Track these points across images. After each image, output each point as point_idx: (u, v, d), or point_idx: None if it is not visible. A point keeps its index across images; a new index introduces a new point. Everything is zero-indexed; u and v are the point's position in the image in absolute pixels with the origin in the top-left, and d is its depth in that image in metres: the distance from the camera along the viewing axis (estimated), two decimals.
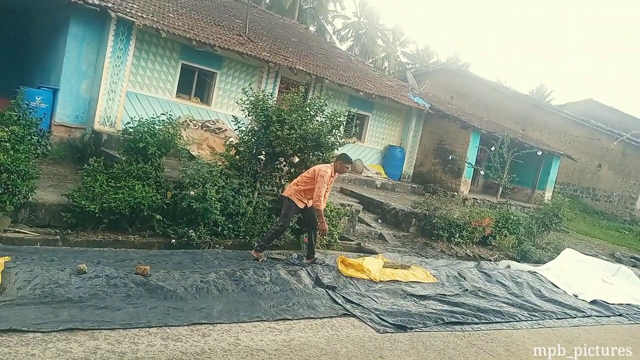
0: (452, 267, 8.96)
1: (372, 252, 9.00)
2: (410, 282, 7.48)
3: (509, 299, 7.77)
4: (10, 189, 6.23)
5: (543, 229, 13.27)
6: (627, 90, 79.65)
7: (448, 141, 17.19)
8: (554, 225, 13.37)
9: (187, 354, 4.14)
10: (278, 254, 7.63)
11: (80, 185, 7.30)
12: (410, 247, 10.63)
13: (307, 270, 6.85)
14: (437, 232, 11.22)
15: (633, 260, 14.32)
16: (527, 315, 7.26)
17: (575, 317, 7.73)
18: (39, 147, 8.54)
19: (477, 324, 6.45)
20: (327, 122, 8.50)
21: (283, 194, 7.55)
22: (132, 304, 4.91)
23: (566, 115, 23.47)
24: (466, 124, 16.74)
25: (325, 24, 39.57)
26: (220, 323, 4.90)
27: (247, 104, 8.37)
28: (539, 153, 17.67)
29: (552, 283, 9.20)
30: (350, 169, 8.12)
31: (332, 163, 7.50)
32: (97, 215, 6.75)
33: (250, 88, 8.71)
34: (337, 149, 8.70)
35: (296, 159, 8.62)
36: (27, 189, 6.44)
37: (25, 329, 3.99)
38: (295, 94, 8.67)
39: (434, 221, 11.29)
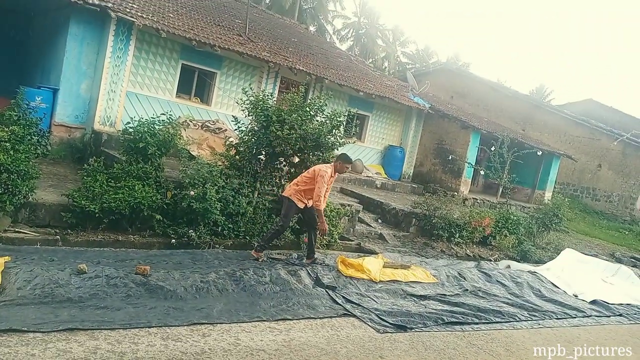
0: (452, 267, 8.96)
1: (372, 252, 9.00)
2: (410, 282, 7.48)
3: (509, 299, 7.77)
4: (10, 189, 6.23)
5: (543, 229, 13.27)
6: (627, 90, 79.71)
7: (448, 141, 17.19)
8: (554, 225, 13.37)
9: (187, 354, 4.14)
10: (278, 254, 7.63)
11: (80, 185, 7.30)
12: (410, 247, 10.63)
13: (307, 270, 6.85)
14: (437, 232, 11.22)
15: (633, 260, 14.32)
16: (527, 315, 7.26)
17: (575, 317, 7.73)
18: (39, 147, 8.54)
19: (477, 324, 6.45)
20: (327, 122, 8.50)
21: (283, 194, 7.55)
22: (132, 304, 4.91)
23: (566, 115, 23.47)
24: (466, 124, 16.74)
25: (325, 24, 39.57)
26: (220, 323, 4.90)
27: (247, 104, 8.37)
28: (539, 153, 17.67)
29: (552, 283, 9.20)
30: (350, 169, 8.12)
31: (332, 163, 7.50)
32: (97, 215, 6.75)
33: (250, 88, 8.71)
34: (337, 149, 8.70)
35: (296, 159, 8.62)
36: (27, 189, 6.44)
37: (25, 329, 3.99)
38: (295, 94, 8.67)
39: (434, 221, 11.29)
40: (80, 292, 4.88)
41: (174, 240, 7.22)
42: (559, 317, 7.58)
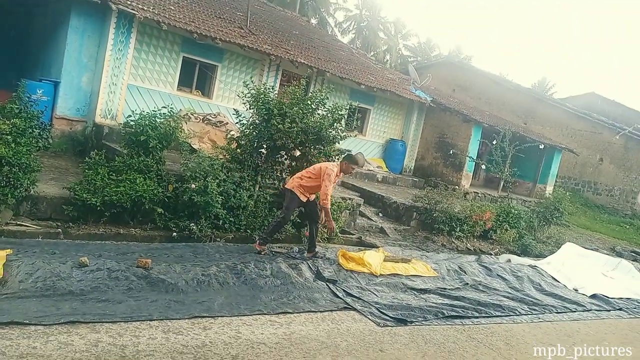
0: (452, 260, 8.97)
1: (372, 246, 9.01)
2: (411, 275, 7.49)
3: (509, 293, 7.78)
4: (12, 182, 6.24)
5: (544, 223, 13.27)
6: (630, 84, 79.44)
7: (449, 135, 17.17)
8: (554, 219, 13.36)
9: (188, 347, 4.16)
10: (279, 247, 7.65)
11: (82, 178, 7.30)
12: (411, 241, 10.65)
13: (308, 264, 6.87)
14: (438, 225, 11.23)
15: (634, 254, 14.32)
16: (527, 309, 7.27)
17: (575, 311, 7.74)
18: (40, 140, 8.54)
19: (477, 317, 6.47)
20: (329, 115, 8.48)
21: (286, 186, 7.55)
22: (134, 297, 4.92)
23: (568, 108, 23.40)
24: (468, 118, 16.70)
25: (327, 16, 39.38)
26: (221, 316, 4.92)
27: (249, 97, 8.36)
28: (541, 147, 17.66)
29: (553, 277, 9.20)
30: (355, 170, 8.02)
31: (339, 162, 7.48)
32: (98, 208, 6.76)
33: (252, 81, 8.70)
34: (339, 143, 8.70)
35: (297, 153, 8.62)
36: (28, 182, 6.44)
37: (27, 321, 4.01)
38: (296, 87, 8.65)
39: (434, 215, 11.30)
40: (82, 285, 4.89)
41: (175, 234, 7.23)
42: (559, 311, 7.59)
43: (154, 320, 4.53)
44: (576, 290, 8.86)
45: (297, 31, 16.66)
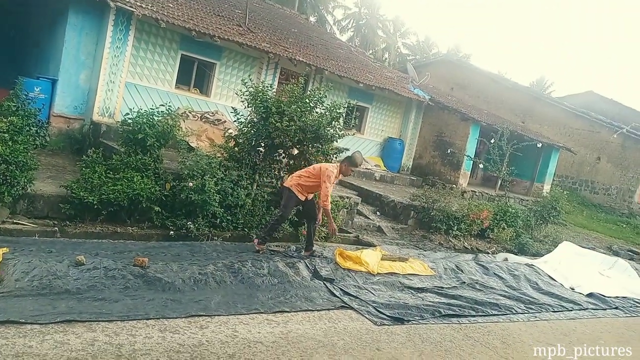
0: (449, 259, 8.98)
1: (370, 245, 9.03)
2: (408, 274, 7.50)
3: (506, 292, 7.80)
4: (9, 180, 6.23)
5: (541, 221, 13.28)
6: (628, 83, 79.53)
7: (448, 133, 17.17)
8: (552, 218, 13.38)
9: (184, 346, 4.16)
10: (276, 246, 7.64)
11: (79, 176, 7.29)
12: (409, 240, 10.66)
13: (305, 263, 6.87)
14: (436, 224, 11.24)
15: (630, 253, 14.36)
16: (524, 308, 7.29)
17: (571, 310, 7.76)
18: (37, 138, 8.48)
19: (474, 316, 6.48)
20: (327, 113, 8.48)
21: (284, 184, 7.54)
22: (130, 296, 4.92)
23: (566, 107, 23.43)
24: (466, 116, 16.71)
25: (326, 14, 39.34)
26: (218, 315, 4.92)
27: (247, 95, 8.35)
28: (539, 145, 17.65)
29: (549, 276, 9.22)
30: (354, 172, 8.00)
31: (339, 164, 7.47)
32: (95, 206, 6.76)
33: (250, 79, 8.69)
34: (337, 141, 8.69)
35: (295, 151, 8.62)
36: (25, 180, 6.44)
37: (23, 320, 4.01)
38: (294, 85, 8.65)
39: (432, 214, 11.31)
40: (78, 283, 4.89)
41: (172, 232, 7.23)
42: (556, 310, 7.61)
43: (151, 319, 4.52)
44: (573, 289, 8.88)
45: (295, 29, 16.64)
